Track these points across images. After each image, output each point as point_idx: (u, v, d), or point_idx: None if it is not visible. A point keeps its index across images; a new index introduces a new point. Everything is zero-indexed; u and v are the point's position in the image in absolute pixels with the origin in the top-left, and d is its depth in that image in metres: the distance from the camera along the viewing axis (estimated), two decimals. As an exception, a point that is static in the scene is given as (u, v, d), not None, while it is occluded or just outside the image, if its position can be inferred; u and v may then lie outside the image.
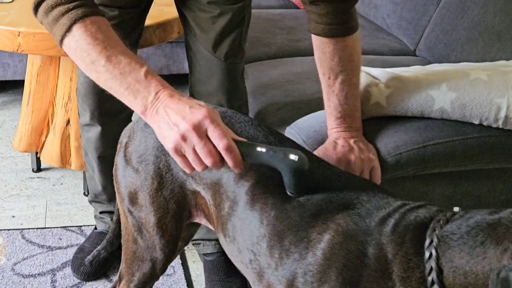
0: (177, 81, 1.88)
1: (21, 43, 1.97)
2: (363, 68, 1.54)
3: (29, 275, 1.95)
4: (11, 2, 2.21)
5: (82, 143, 1.98)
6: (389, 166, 1.47)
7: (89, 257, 1.87)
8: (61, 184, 2.45)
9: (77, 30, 1.16)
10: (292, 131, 1.59)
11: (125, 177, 1.32)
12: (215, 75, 1.74)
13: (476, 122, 1.54)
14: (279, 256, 1.09)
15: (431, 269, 0.95)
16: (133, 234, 1.34)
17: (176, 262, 2.02)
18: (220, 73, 1.74)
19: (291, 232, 1.09)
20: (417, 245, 0.98)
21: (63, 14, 1.17)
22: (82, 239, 2.10)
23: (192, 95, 1.80)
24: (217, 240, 1.88)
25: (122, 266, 1.41)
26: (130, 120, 1.81)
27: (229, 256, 1.26)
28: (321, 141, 1.47)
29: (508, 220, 0.92)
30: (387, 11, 2.68)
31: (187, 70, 1.85)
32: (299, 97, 2.05)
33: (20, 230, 2.15)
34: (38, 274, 1.96)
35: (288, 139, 1.28)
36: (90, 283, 1.93)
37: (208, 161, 1.08)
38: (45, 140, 2.40)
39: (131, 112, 1.71)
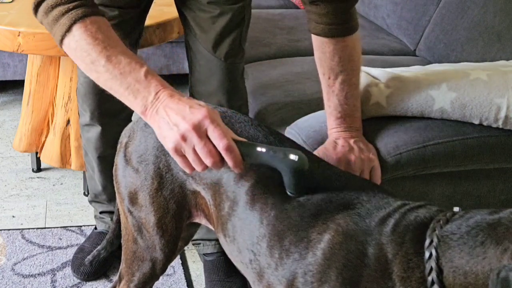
0: (177, 81, 1.88)
1: (21, 43, 1.97)
2: (363, 68, 1.54)
3: (29, 275, 1.95)
4: (11, 2, 2.21)
5: (82, 143, 1.98)
6: (389, 166, 1.47)
7: (89, 257, 1.87)
8: (61, 184, 2.45)
9: (77, 30, 1.16)
10: (292, 131, 1.59)
11: (125, 177, 1.32)
12: (215, 75, 1.74)
13: (476, 122, 1.54)
14: (279, 256, 1.09)
15: (431, 269, 0.95)
16: (133, 234, 1.34)
17: (176, 262, 2.02)
18: (220, 73, 1.74)
19: (291, 232, 1.09)
20: (417, 245, 0.98)
21: (63, 14, 1.17)
22: (82, 239, 2.10)
23: (192, 95, 1.80)
24: (217, 240, 1.88)
25: (122, 266, 1.41)
26: (130, 120, 1.81)
27: (229, 256, 1.26)
28: (321, 141, 1.47)
29: (508, 220, 0.92)
30: (387, 11, 2.68)
31: (187, 70, 1.85)
32: (299, 97, 2.05)
33: (20, 230, 2.15)
34: (38, 274, 1.96)
35: (288, 139, 1.28)
36: (90, 283, 1.93)
37: (208, 161, 1.08)
38: (45, 140, 2.40)
39: (131, 112, 1.71)
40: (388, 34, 2.67)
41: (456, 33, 2.24)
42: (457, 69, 1.61)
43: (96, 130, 1.89)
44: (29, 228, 2.17)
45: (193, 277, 2.00)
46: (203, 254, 1.96)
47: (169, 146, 1.10)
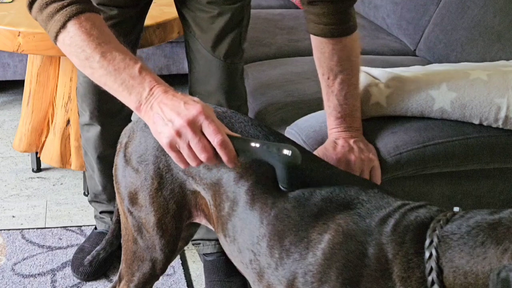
0: (177, 81, 1.88)
1: (21, 43, 1.97)
2: (363, 68, 1.54)
3: (29, 275, 1.95)
4: (11, 2, 2.21)
5: (82, 142, 1.98)
6: (389, 166, 1.47)
7: (89, 257, 1.87)
8: (61, 184, 2.45)
9: (72, 26, 1.17)
10: (292, 131, 1.59)
11: (125, 177, 1.32)
12: (214, 75, 1.74)
13: (476, 122, 1.54)
14: (279, 256, 1.09)
15: (431, 269, 0.95)
16: (133, 234, 1.34)
17: (176, 262, 2.02)
18: (220, 73, 1.74)
19: (291, 232, 1.09)
20: (417, 245, 0.98)
21: (58, 10, 1.18)
22: (82, 239, 2.10)
23: (192, 95, 1.79)
24: (217, 240, 1.88)
25: (122, 266, 1.41)
26: (130, 120, 1.81)
27: (229, 256, 1.26)
28: (321, 141, 1.47)
29: (508, 220, 0.92)
30: (387, 11, 2.67)
31: (187, 70, 1.85)
32: (299, 97, 2.04)
33: (20, 230, 2.15)
34: (38, 274, 1.96)
35: (288, 139, 1.28)
36: (90, 283, 1.93)
37: (202, 156, 1.09)
38: (45, 140, 2.40)
39: (130, 112, 1.71)
40: (388, 34, 2.67)
41: (456, 33, 2.24)
42: (457, 69, 1.61)
43: (96, 129, 1.89)
44: (29, 228, 2.17)
45: (193, 277, 2.00)
46: (203, 254, 1.96)
47: (164, 141, 1.11)
